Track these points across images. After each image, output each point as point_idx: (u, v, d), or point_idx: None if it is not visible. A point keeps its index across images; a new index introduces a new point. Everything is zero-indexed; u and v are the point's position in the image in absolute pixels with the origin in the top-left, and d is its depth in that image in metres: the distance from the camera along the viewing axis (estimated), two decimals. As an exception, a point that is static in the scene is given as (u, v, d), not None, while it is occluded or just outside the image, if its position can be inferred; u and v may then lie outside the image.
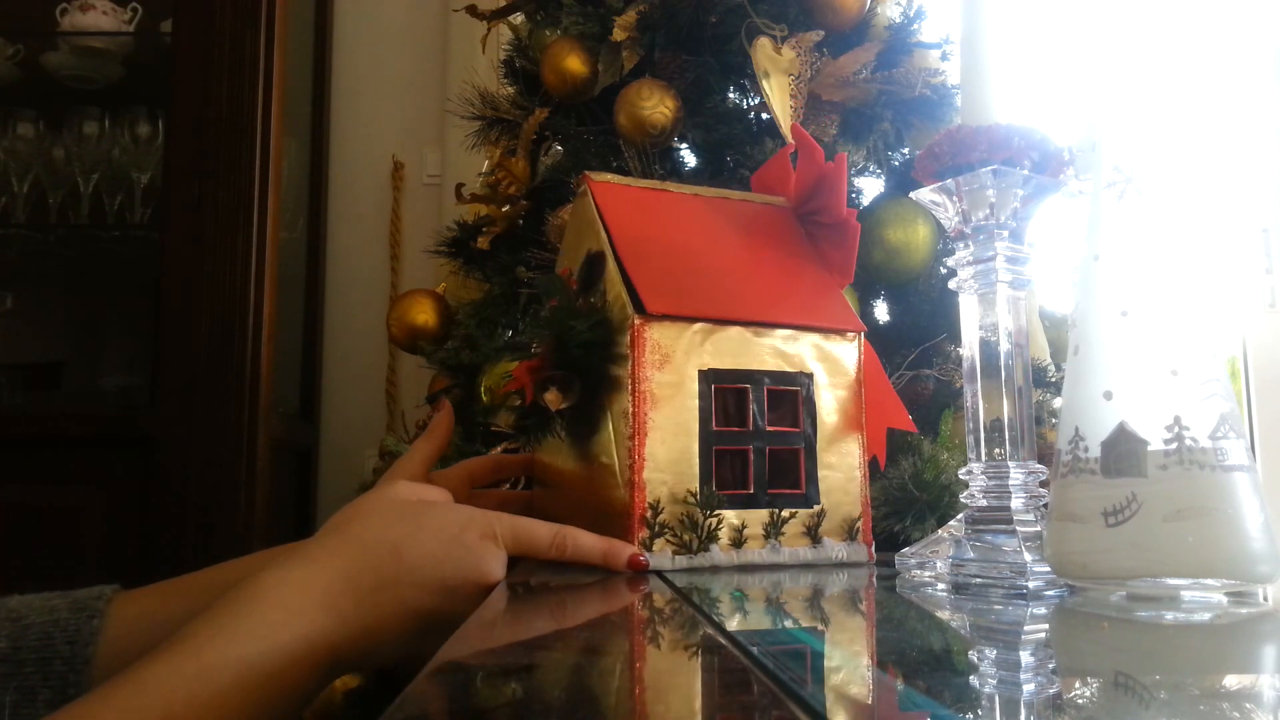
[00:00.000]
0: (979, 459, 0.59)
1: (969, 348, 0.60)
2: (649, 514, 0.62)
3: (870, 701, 0.31)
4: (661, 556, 0.63)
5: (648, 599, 0.54)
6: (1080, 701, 0.30)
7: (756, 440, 0.68)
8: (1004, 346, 0.59)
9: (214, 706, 0.45)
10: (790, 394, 0.70)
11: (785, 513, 0.68)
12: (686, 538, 0.64)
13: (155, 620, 0.60)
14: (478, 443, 1.16)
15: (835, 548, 0.69)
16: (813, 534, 0.69)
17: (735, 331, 0.68)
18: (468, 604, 0.56)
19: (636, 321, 0.64)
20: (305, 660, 0.49)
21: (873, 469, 0.74)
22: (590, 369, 0.66)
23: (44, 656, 0.58)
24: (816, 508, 0.69)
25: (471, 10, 1.43)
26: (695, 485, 0.65)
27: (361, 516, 0.57)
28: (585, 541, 0.62)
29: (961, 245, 0.60)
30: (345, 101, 2.07)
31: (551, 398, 0.65)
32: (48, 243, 1.83)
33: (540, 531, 0.61)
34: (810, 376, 0.70)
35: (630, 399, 0.63)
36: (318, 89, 2.03)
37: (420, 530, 0.56)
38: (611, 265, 0.67)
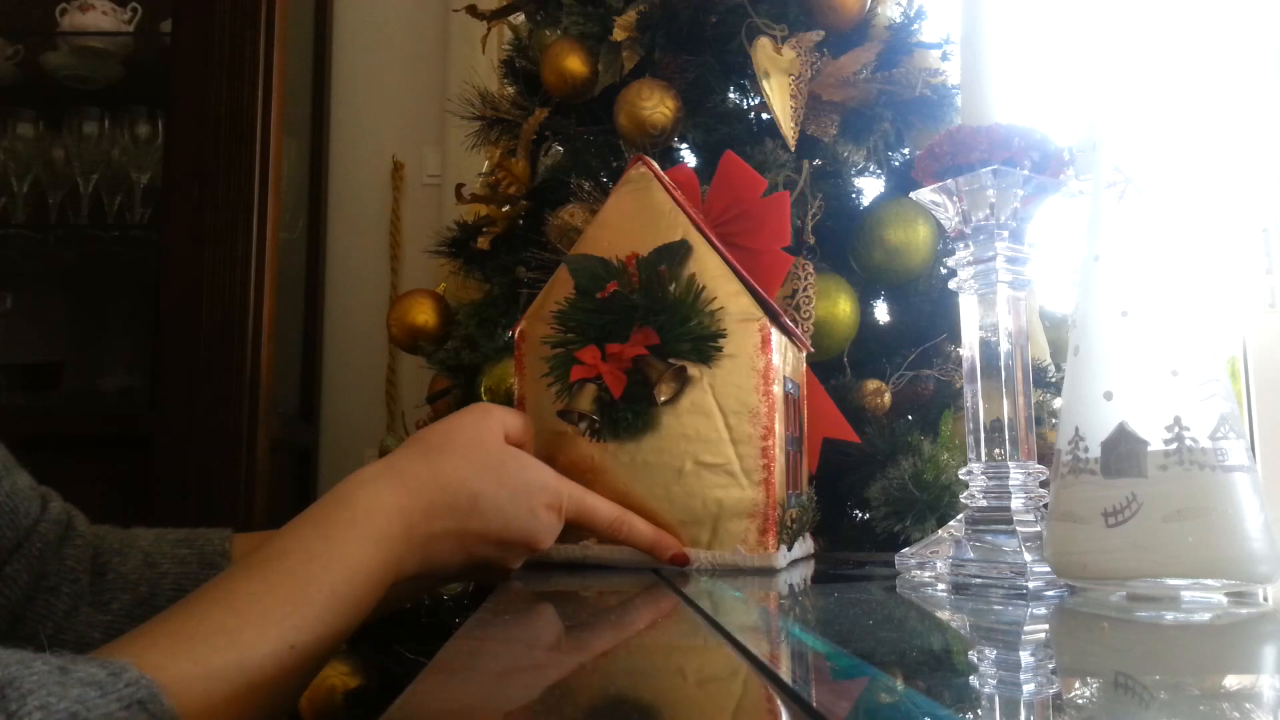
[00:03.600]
0: (979, 459, 0.59)
1: (969, 348, 0.60)
2: (780, 512, 0.64)
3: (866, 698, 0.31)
4: (781, 554, 0.65)
5: (657, 602, 0.54)
6: (1080, 701, 0.30)
7: (791, 445, 0.70)
8: (1004, 346, 0.59)
9: (304, 630, 0.46)
10: (794, 400, 0.73)
11: (801, 510, 0.71)
12: (789, 535, 0.66)
13: None
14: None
15: (808, 542, 0.77)
16: (804, 530, 0.74)
17: (785, 339, 0.70)
18: (513, 559, 0.62)
19: (765, 321, 0.65)
20: (379, 583, 0.52)
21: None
22: (687, 363, 0.66)
23: None
24: (810, 506, 0.74)
25: (471, 10, 1.43)
26: (782, 485, 0.66)
27: (455, 449, 0.60)
28: (640, 528, 0.66)
29: (961, 245, 0.60)
30: (345, 101, 2.07)
31: (666, 390, 0.65)
32: (47, 243, 1.83)
33: (603, 510, 0.65)
34: (800, 386, 0.75)
35: (760, 399, 0.64)
36: (318, 89, 2.03)
37: (500, 486, 0.60)
38: (712, 258, 0.67)
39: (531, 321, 0.70)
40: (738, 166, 0.77)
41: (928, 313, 1.17)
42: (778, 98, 1.09)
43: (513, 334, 0.71)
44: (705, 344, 0.65)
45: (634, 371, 0.65)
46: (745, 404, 0.64)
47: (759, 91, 1.11)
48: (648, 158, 0.72)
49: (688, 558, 0.65)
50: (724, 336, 0.65)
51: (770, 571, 0.62)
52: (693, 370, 0.65)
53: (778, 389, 0.65)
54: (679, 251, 0.67)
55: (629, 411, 0.66)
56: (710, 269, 0.66)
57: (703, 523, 0.64)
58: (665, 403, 0.65)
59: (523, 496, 0.60)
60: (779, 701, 0.29)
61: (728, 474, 0.64)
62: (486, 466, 0.60)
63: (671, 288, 0.66)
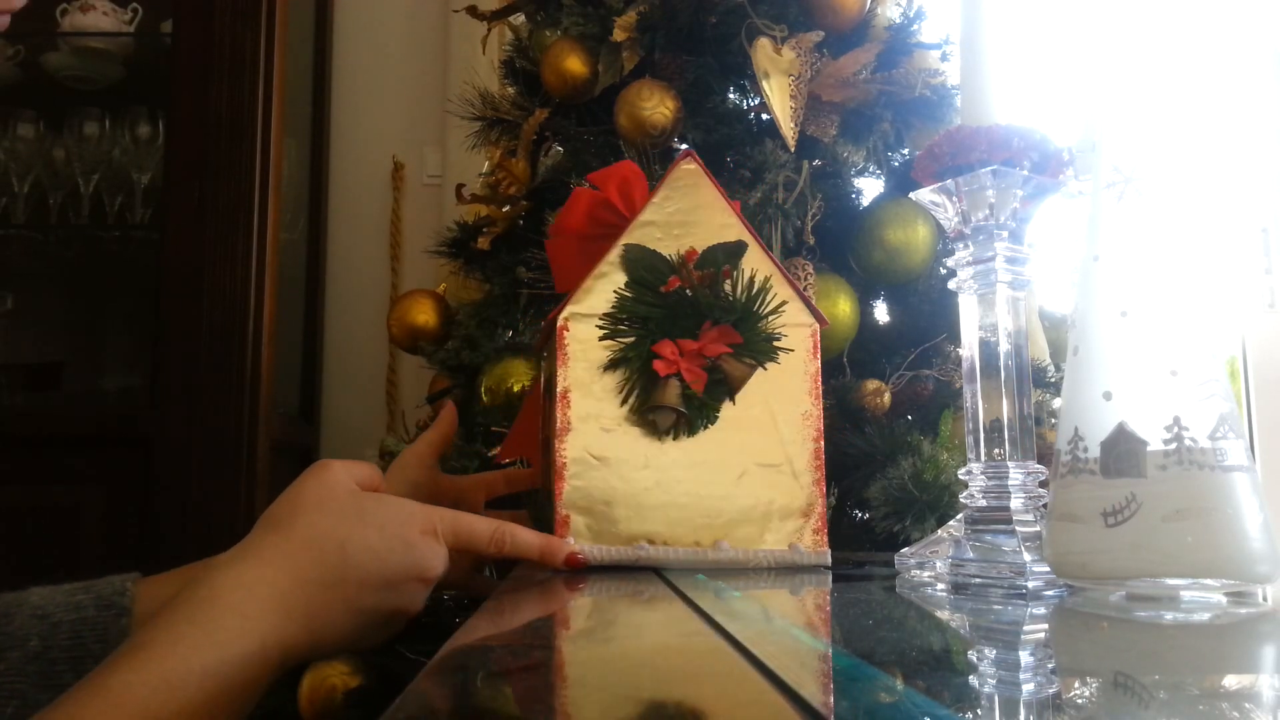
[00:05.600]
0: (979, 459, 0.59)
1: (969, 348, 0.60)
2: (829, 512, 0.65)
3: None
4: (825, 553, 0.65)
5: (658, 602, 0.54)
6: (1080, 701, 0.30)
7: None
8: (1004, 346, 0.59)
9: (181, 714, 0.45)
10: None
11: None
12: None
13: None
14: (478, 443, 1.16)
15: None
16: None
17: None
18: (410, 598, 0.57)
19: (816, 326, 0.66)
20: (260, 662, 0.50)
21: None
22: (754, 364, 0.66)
23: (76, 655, 0.59)
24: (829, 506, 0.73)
25: (472, 10, 1.43)
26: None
27: (305, 510, 0.56)
28: (524, 537, 0.62)
29: (961, 245, 0.60)
30: (345, 101, 2.07)
31: (741, 389, 0.66)
32: (48, 243, 1.83)
33: (480, 527, 0.61)
34: None
35: (813, 402, 0.65)
36: (318, 89, 2.03)
37: (364, 526, 0.56)
38: (765, 261, 0.67)
39: (577, 313, 0.67)
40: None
41: (927, 313, 1.17)
42: (777, 98, 1.09)
43: (554, 319, 0.68)
44: (770, 345, 0.66)
45: (711, 369, 0.66)
46: (799, 406, 0.66)
47: (759, 92, 1.11)
48: (695, 154, 0.71)
49: (583, 559, 0.63)
50: (781, 339, 0.66)
51: (823, 569, 0.64)
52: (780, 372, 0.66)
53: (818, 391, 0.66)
54: (736, 252, 0.67)
55: (711, 410, 0.66)
56: (764, 271, 0.67)
57: (756, 521, 0.65)
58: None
59: (393, 530, 0.56)
60: (779, 701, 0.29)
61: (782, 474, 0.65)
62: (344, 513, 0.56)
63: (737, 287, 0.66)
